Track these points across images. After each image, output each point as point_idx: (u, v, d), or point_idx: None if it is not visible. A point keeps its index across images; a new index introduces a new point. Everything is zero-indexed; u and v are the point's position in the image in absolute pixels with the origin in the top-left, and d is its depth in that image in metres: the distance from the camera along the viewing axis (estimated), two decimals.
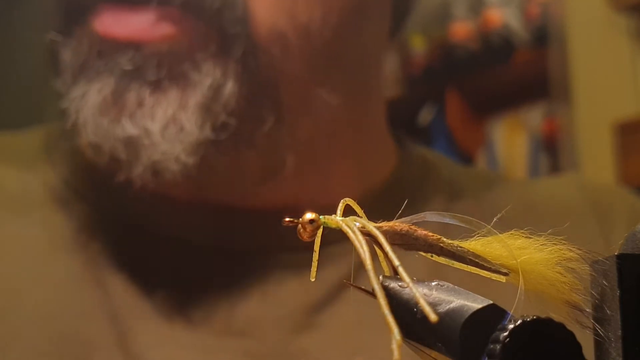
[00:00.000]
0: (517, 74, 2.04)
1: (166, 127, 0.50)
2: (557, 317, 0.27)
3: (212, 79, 0.51)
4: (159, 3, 0.51)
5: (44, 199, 0.59)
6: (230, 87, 0.51)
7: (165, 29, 0.51)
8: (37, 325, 0.52)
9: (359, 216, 0.30)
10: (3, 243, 0.57)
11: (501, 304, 0.28)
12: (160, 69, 0.51)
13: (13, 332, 0.52)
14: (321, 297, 0.55)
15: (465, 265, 0.30)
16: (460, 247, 0.30)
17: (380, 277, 0.29)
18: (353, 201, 0.31)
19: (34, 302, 0.53)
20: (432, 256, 0.31)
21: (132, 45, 0.51)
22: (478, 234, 0.30)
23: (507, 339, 0.26)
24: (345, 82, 0.59)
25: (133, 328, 0.53)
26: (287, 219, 0.30)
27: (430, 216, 0.31)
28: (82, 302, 0.54)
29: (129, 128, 0.50)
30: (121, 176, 0.52)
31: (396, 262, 0.26)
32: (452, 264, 0.31)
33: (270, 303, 0.55)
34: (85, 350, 0.52)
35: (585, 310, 0.29)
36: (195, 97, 0.51)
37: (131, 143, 0.51)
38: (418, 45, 2.19)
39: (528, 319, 0.27)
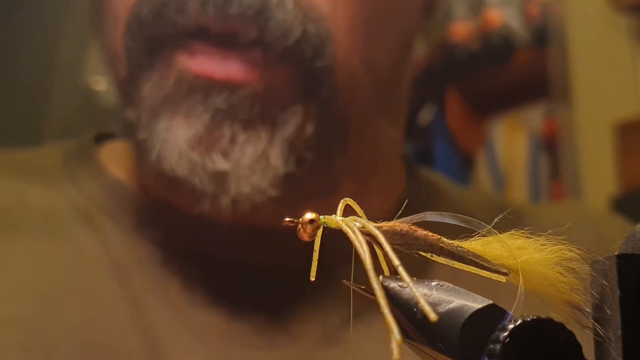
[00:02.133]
0: (517, 74, 2.04)
1: (256, 162, 0.53)
2: (557, 317, 0.27)
3: (297, 119, 0.54)
4: (261, 49, 0.53)
5: (70, 217, 0.60)
6: (311, 125, 0.54)
7: (263, 74, 0.53)
8: (72, 338, 0.53)
9: (359, 216, 0.30)
10: (35, 260, 0.58)
11: (501, 304, 0.28)
12: (253, 109, 0.53)
13: (50, 344, 0.53)
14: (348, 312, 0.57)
15: (465, 265, 0.30)
16: (460, 247, 0.30)
17: (380, 277, 0.29)
18: (353, 201, 0.31)
19: (68, 316, 0.55)
20: (432, 256, 0.31)
21: (229, 86, 0.53)
22: (478, 234, 0.30)
23: (507, 339, 0.26)
24: (397, 111, 0.64)
25: (167, 342, 0.54)
26: (287, 219, 0.30)
27: (430, 216, 0.31)
28: (115, 316, 0.55)
29: (221, 163, 0.53)
30: (204, 207, 0.54)
31: (396, 262, 0.26)
32: (452, 264, 0.31)
33: (302, 316, 0.57)
34: None
35: (585, 310, 0.29)
36: (282, 135, 0.54)
37: (220, 176, 0.53)
38: (418, 45, 2.19)
39: (528, 319, 0.27)
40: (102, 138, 0.68)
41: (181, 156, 0.53)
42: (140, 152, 0.56)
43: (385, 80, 0.60)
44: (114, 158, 0.65)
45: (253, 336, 0.56)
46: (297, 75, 0.54)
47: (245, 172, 0.53)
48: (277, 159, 0.53)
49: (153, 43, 0.55)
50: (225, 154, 0.53)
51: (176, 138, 0.53)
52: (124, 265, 0.58)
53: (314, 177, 0.57)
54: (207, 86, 0.53)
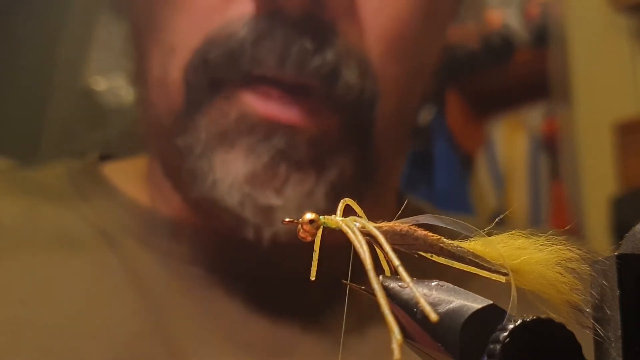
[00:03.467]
0: (517, 74, 2.04)
1: (304, 200, 0.56)
2: (557, 317, 0.27)
3: (342, 163, 0.58)
4: (325, 102, 0.57)
5: (86, 232, 0.62)
6: (351, 168, 0.58)
7: (320, 120, 0.57)
8: (95, 343, 0.55)
9: (358, 216, 0.30)
10: (54, 271, 0.59)
11: (501, 304, 0.28)
12: (308, 151, 0.56)
13: (73, 349, 0.54)
14: (356, 320, 0.58)
15: (465, 266, 0.30)
16: (460, 247, 0.30)
17: (381, 277, 0.29)
18: (353, 201, 0.31)
19: (90, 323, 0.56)
20: (431, 256, 0.31)
21: (291, 130, 0.56)
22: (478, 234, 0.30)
23: (507, 339, 0.26)
24: (407, 145, 0.70)
25: (189, 350, 0.56)
26: (287, 219, 0.30)
27: (429, 219, 0.31)
28: (137, 325, 0.56)
29: (273, 199, 0.56)
30: (247, 235, 0.56)
31: (396, 262, 0.26)
32: (452, 264, 0.31)
33: (312, 327, 0.59)
34: None
35: (585, 311, 0.29)
36: (328, 177, 0.57)
37: (269, 210, 0.56)
38: None
39: (528, 319, 0.27)
40: (103, 158, 0.70)
41: (234, 188, 0.55)
42: (187, 178, 0.58)
43: (409, 124, 0.67)
44: (124, 177, 0.67)
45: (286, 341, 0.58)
46: (348, 124, 0.58)
47: (294, 208, 0.55)
48: (321, 197, 0.56)
49: (218, 82, 0.57)
50: (278, 191, 0.56)
51: (231, 171, 0.55)
52: (143, 277, 0.59)
53: (346, 213, 0.59)
54: (272, 128, 0.55)
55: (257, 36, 0.55)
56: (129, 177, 0.67)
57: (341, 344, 0.56)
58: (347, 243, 0.30)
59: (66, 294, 0.57)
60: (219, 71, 0.56)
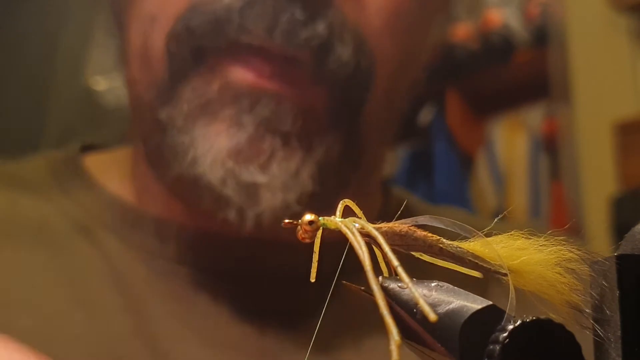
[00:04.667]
0: (517, 74, 2.04)
1: (290, 178, 0.54)
2: (556, 318, 0.27)
3: (329, 143, 0.56)
4: (314, 74, 0.54)
5: (66, 228, 0.60)
6: (338, 149, 0.56)
7: (308, 92, 0.54)
8: (78, 347, 0.53)
9: (358, 217, 0.30)
10: (34, 269, 0.58)
11: (501, 304, 0.28)
12: (295, 123, 0.54)
13: (56, 353, 0.53)
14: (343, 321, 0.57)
15: (464, 268, 0.30)
16: (460, 247, 0.30)
17: (380, 278, 0.29)
18: (352, 202, 0.31)
19: (72, 325, 0.55)
20: (421, 255, 0.31)
21: (277, 97, 0.53)
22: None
23: (507, 340, 0.26)
24: (393, 135, 0.67)
25: (172, 351, 0.55)
26: (287, 221, 0.30)
27: (429, 220, 0.31)
28: (118, 326, 0.55)
29: (258, 175, 0.53)
30: (229, 217, 0.54)
31: (395, 263, 0.26)
32: (452, 265, 0.30)
33: (296, 327, 0.58)
34: None
35: (585, 311, 0.29)
36: (315, 157, 0.55)
37: (253, 189, 0.53)
38: None
39: (527, 320, 0.27)
40: (85, 149, 0.68)
41: (217, 163, 0.53)
42: (168, 154, 0.55)
43: (397, 112, 0.64)
44: (105, 169, 0.65)
45: (264, 342, 0.57)
46: (338, 102, 0.56)
47: (279, 186, 0.53)
48: (307, 178, 0.54)
49: (202, 51, 0.54)
50: (263, 168, 0.53)
51: (214, 145, 0.53)
52: (124, 275, 0.58)
53: (330, 197, 0.57)
54: (257, 95, 0.53)
55: (245, 3, 0.53)
56: (111, 169, 0.65)
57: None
58: (339, 243, 0.30)
59: (47, 295, 0.56)
60: (203, 39, 0.54)
